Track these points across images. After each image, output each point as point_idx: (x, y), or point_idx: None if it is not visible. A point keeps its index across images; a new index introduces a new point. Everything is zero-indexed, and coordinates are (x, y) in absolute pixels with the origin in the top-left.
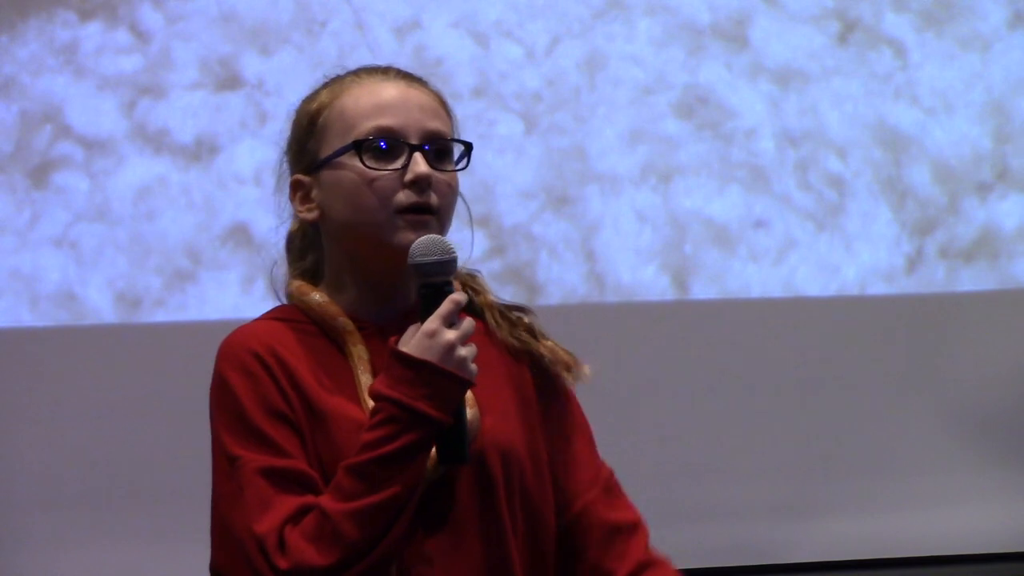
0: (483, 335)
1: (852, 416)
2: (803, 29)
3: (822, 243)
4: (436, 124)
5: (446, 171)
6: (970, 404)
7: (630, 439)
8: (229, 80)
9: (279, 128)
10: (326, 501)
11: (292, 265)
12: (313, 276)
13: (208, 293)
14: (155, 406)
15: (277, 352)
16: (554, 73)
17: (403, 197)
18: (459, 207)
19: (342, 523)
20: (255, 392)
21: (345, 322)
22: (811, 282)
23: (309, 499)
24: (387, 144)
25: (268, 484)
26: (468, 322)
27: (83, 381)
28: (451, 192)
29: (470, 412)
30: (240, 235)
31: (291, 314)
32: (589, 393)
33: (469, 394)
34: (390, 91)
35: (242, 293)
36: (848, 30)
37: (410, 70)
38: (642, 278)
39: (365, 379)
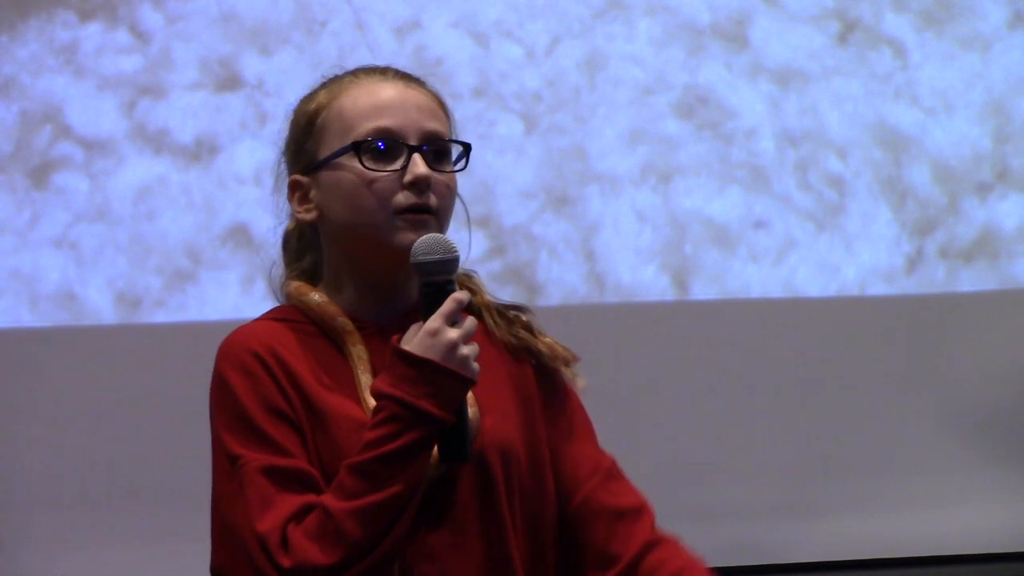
0: (482, 335)
1: (852, 416)
2: (803, 29)
3: (822, 243)
4: (434, 125)
5: (445, 172)
6: (970, 404)
7: (630, 439)
8: (229, 80)
9: (279, 128)
10: (329, 500)
11: (289, 265)
12: (311, 276)
13: (208, 293)
14: (155, 406)
15: (277, 352)
16: (554, 73)
17: (402, 198)
18: (457, 208)
19: (345, 522)
20: (255, 391)
21: (344, 322)
22: (811, 282)
23: (311, 498)
24: (386, 145)
25: (270, 483)
26: (470, 321)
27: (83, 381)
28: (450, 193)
29: (470, 411)
30: (240, 235)
31: (290, 314)
32: (589, 393)
33: (469, 393)
34: (388, 92)
35: (242, 293)
36: (848, 30)
37: (410, 70)
38: (642, 278)
39: (365, 379)
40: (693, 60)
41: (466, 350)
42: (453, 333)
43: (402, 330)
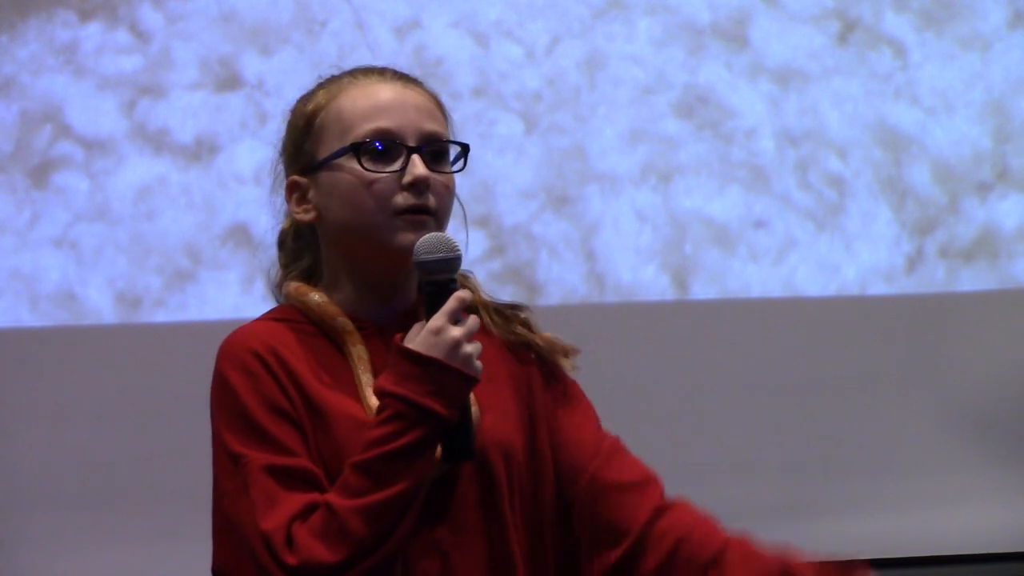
0: (480, 333)
1: (852, 416)
2: (803, 29)
3: (822, 243)
4: (433, 125)
5: (443, 172)
6: (970, 404)
7: (629, 439)
8: (229, 80)
9: (279, 128)
10: (333, 498)
11: (286, 266)
12: (310, 277)
13: (208, 293)
14: (155, 406)
15: (277, 351)
16: (554, 73)
17: (401, 199)
18: (456, 208)
19: (350, 520)
20: (256, 391)
21: (344, 322)
22: (811, 282)
23: (315, 497)
24: (384, 146)
25: (274, 482)
26: (473, 319)
27: (83, 381)
28: (448, 193)
29: (472, 410)
30: (240, 235)
31: (290, 314)
32: (589, 393)
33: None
34: (387, 92)
35: (242, 293)
36: (848, 30)
37: (410, 70)
38: (642, 278)
39: (365, 378)
40: (693, 60)
41: (469, 348)
42: (456, 331)
43: (401, 330)
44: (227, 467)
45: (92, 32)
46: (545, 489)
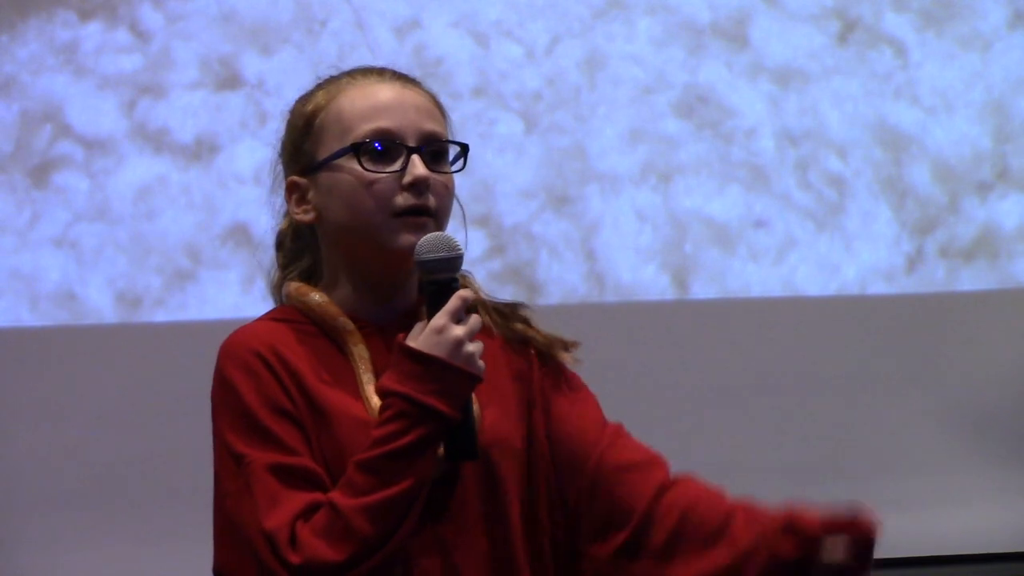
0: (482, 333)
1: (852, 416)
2: (803, 28)
3: (822, 243)
4: (432, 125)
5: (443, 172)
6: (970, 404)
7: None
8: (229, 80)
9: (279, 128)
10: (337, 497)
11: (284, 266)
12: (309, 277)
13: (208, 293)
14: (155, 406)
15: (279, 351)
16: (554, 73)
17: (401, 200)
18: (455, 208)
19: (354, 518)
20: (258, 390)
21: (345, 322)
22: (811, 282)
23: (318, 496)
24: (384, 146)
25: (276, 481)
26: (475, 318)
27: (83, 381)
28: (448, 194)
29: (474, 409)
30: (240, 235)
31: (291, 315)
32: None
33: None
34: (386, 93)
35: (242, 293)
36: (848, 30)
37: (409, 70)
38: (642, 278)
39: (367, 378)
40: (693, 59)
41: (471, 347)
42: (459, 330)
43: (402, 330)
44: (229, 467)
45: (92, 32)
46: (542, 484)
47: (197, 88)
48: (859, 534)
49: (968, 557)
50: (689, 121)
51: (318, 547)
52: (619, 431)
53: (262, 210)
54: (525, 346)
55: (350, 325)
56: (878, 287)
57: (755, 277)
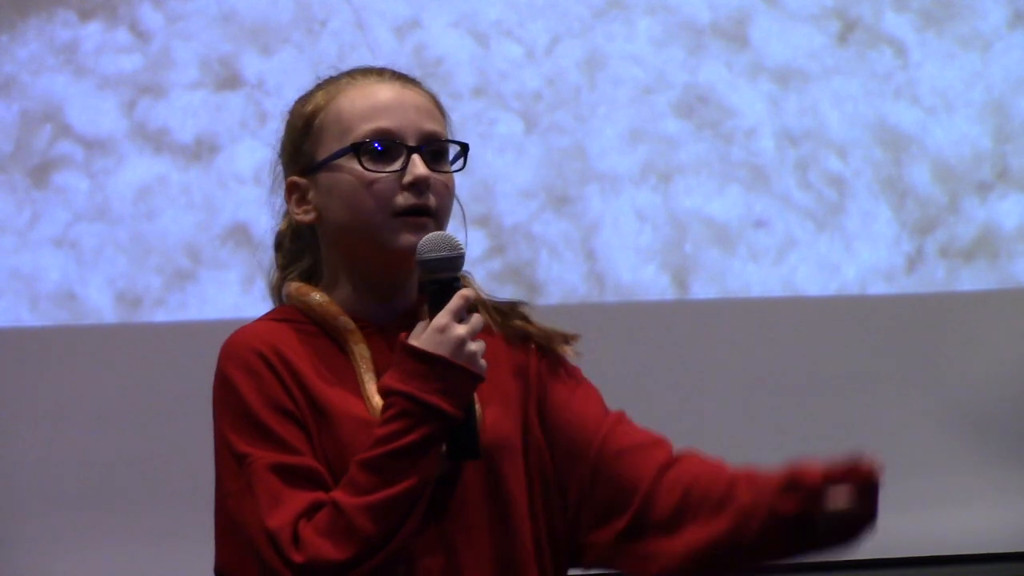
0: (482, 332)
1: (852, 416)
2: (803, 28)
3: (822, 243)
4: (432, 125)
5: (443, 172)
6: (970, 404)
7: None
8: (229, 80)
9: (279, 128)
10: (340, 496)
11: (283, 267)
12: (309, 278)
13: (208, 293)
14: (155, 406)
15: (280, 351)
16: (554, 73)
17: (402, 199)
18: (455, 208)
19: (357, 517)
20: (260, 390)
21: (346, 321)
22: (811, 282)
23: (321, 495)
24: (384, 146)
25: (279, 480)
26: (477, 318)
27: (83, 381)
28: (448, 193)
29: (475, 408)
30: (240, 235)
31: (291, 315)
32: None
33: None
34: (386, 93)
35: (242, 293)
36: (848, 29)
37: (409, 70)
38: (642, 278)
39: (368, 377)
40: (693, 59)
41: (474, 346)
42: (461, 329)
43: (402, 330)
44: (231, 467)
45: (92, 32)
46: (538, 479)
47: (197, 88)
48: (861, 479)
49: (968, 557)
50: (689, 121)
51: (321, 546)
52: (621, 417)
53: (262, 210)
54: (525, 342)
55: (351, 324)
56: (878, 287)
57: (755, 277)
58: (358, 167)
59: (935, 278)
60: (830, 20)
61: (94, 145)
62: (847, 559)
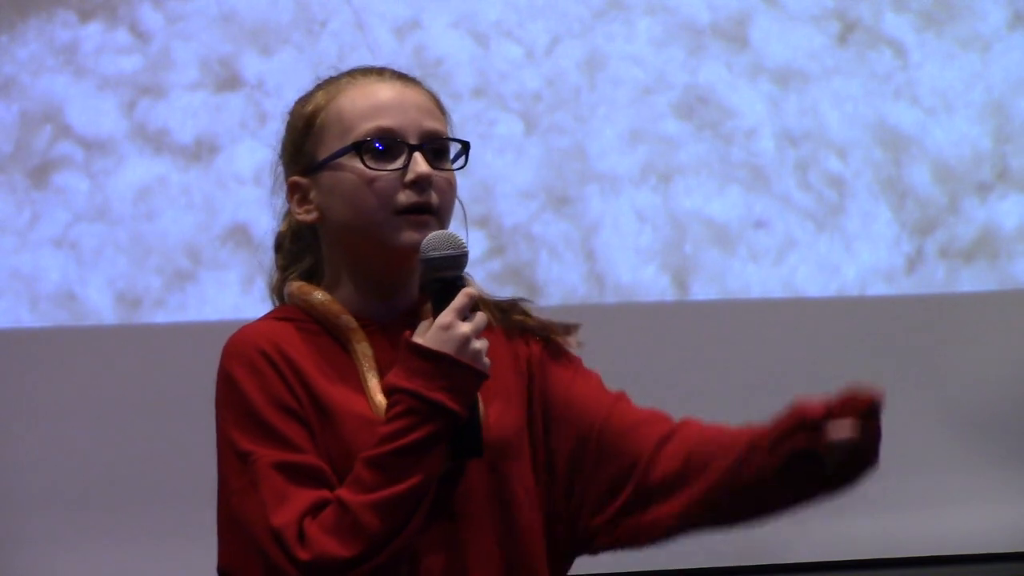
0: (485, 330)
1: None
2: (803, 29)
3: (822, 243)
4: (433, 123)
5: (445, 170)
6: (970, 404)
7: None
8: (229, 80)
9: (279, 129)
10: (345, 493)
11: (284, 268)
12: (311, 277)
13: (208, 293)
14: (155, 406)
15: (283, 349)
16: (554, 73)
17: (404, 197)
18: (456, 208)
19: (363, 514)
20: (263, 388)
21: (348, 320)
22: (811, 282)
23: (325, 493)
24: (386, 145)
25: (283, 478)
26: (481, 316)
27: (83, 381)
28: (451, 191)
29: (479, 407)
30: (240, 235)
31: (293, 314)
32: None
33: None
34: (386, 92)
35: (242, 293)
36: (848, 30)
37: (409, 70)
38: (642, 278)
39: (371, 376)
40: (693, 60)
41: (478, 344)
42: (466, 327)
43: (404, 328)
44: (234, 465)
45: (92, 32)
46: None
47: (197, 89)
48: (862, 408)
49: (968, 557)
50: (689, 122)
51: (327, 543)
52: (621, 396)
53: (262, 211)
54: (525, 335)
55: (353, 323)
56: (878, 288)
57: (755, 278)
58: (360, 166)
59: (935, 279)
60: (830, 21)
61: (94, 146)
62: (847, 559)
